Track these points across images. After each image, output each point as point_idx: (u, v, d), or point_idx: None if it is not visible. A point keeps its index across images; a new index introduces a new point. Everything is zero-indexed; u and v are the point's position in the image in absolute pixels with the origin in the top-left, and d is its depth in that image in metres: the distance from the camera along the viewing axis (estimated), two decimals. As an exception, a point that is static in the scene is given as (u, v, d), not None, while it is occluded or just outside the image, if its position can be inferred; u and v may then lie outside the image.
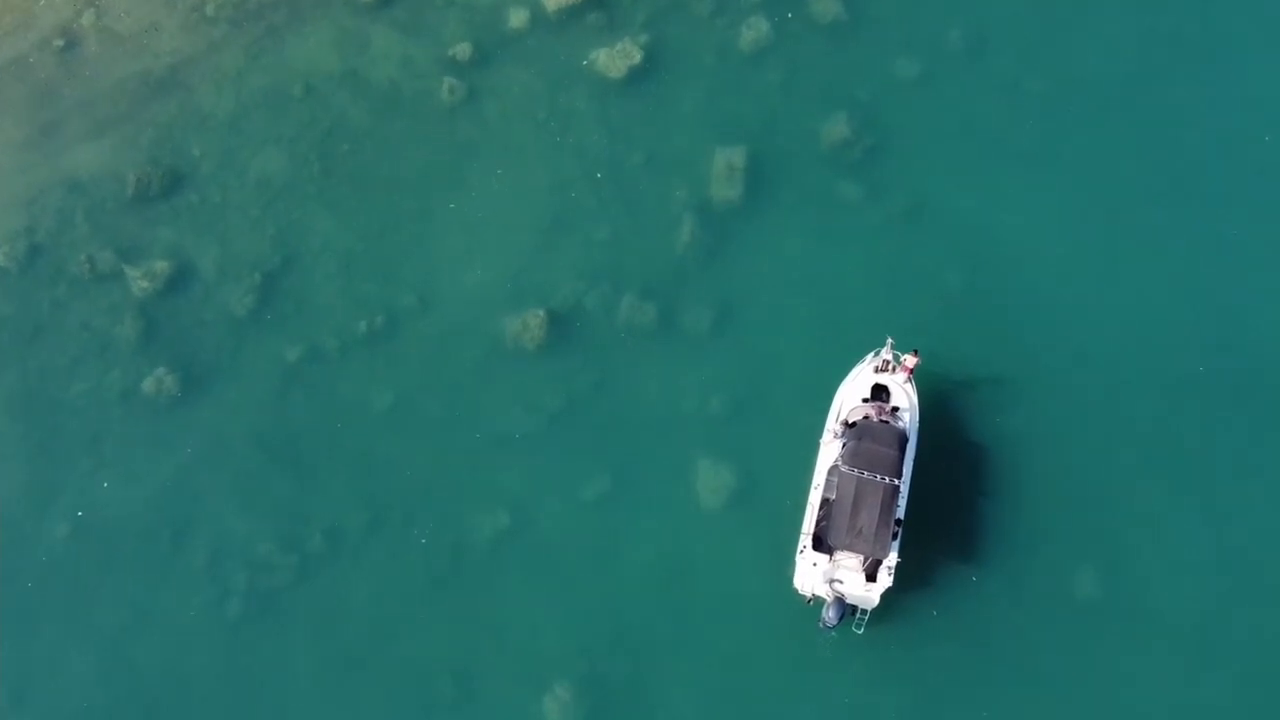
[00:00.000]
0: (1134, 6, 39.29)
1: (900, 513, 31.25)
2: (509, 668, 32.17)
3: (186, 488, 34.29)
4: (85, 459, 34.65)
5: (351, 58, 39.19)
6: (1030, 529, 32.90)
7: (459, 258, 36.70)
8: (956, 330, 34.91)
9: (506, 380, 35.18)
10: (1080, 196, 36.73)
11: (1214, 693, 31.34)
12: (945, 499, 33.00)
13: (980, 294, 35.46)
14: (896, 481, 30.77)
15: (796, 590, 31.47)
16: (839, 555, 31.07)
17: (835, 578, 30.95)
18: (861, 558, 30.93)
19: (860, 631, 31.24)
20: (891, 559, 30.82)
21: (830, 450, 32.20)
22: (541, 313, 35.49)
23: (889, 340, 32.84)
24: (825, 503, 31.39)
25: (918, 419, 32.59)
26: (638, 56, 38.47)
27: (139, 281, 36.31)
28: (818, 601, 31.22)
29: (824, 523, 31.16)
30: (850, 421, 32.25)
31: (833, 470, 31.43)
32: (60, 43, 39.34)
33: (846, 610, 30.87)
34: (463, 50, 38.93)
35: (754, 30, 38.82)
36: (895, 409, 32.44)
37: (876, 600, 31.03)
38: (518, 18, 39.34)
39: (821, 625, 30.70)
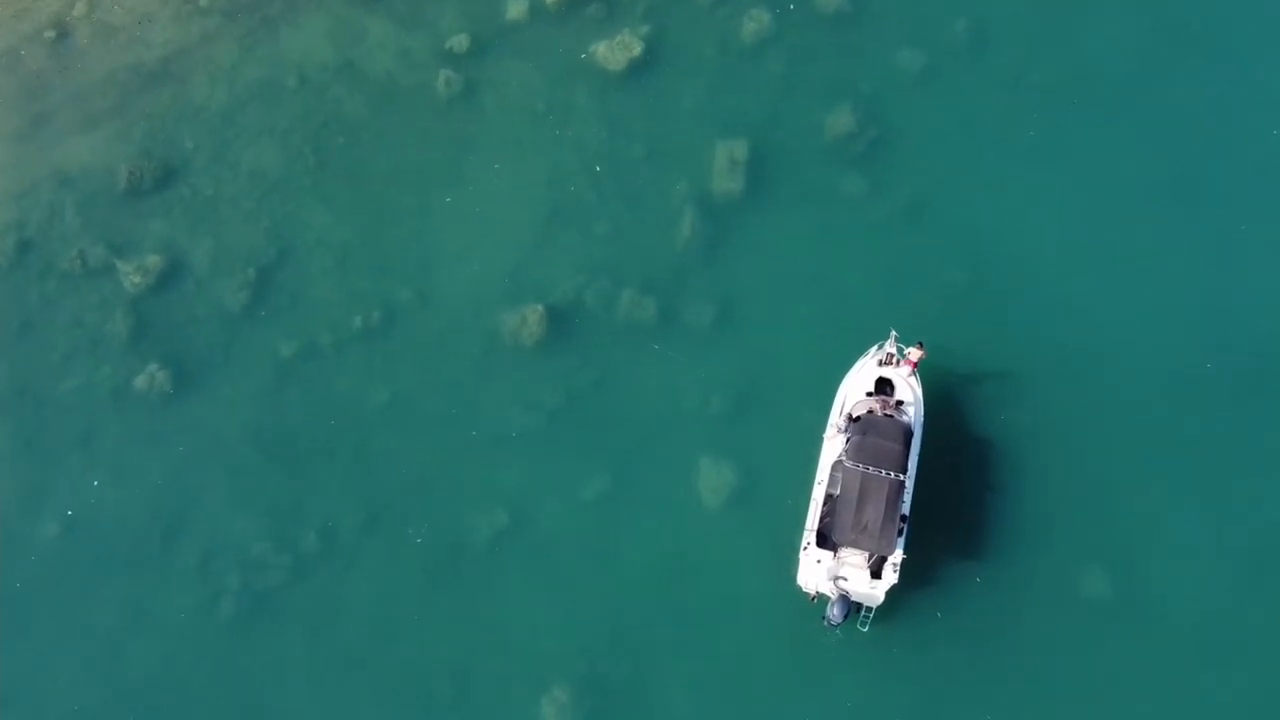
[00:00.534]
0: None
1: (906, 508, 30.89)
2: (508, 668, 31.82)
3: (179, 486, 33.92)
4: (76, 457, 34.26)
5: (347, 49, 38.90)
6: (1036, 526, 32.59)
7: (456, 252, 36.40)
8: (960, 325, 34.61)
9: (505, 377, 34.87)
10: (1087, 190, 36.48)
11: (1225, 695, 30.96)
12: (950, 495, 32.69)
13: (984, 288, 35.18)
14: (902, 477, 30.44)
15: (800, 588, 31.13)
16: (844, 552, 30.73)
17: (840, 575, 30.61)
18: (867, 554, 30.57)
19: (865, 629, 30.93)
20: (897, 556, 30.50)
21: (834, 445, 31.87)
22: (540, 308, 35.18)
23: (893, 333, 32.55)
24: (829, 499, 31.07)
25: (922, 413, 32.28)
26: (638, 48, 38.21)
27: (131, 276, 35.98)
28: (821, 599, 30.88)
29: (828, 519, 30.82)
30: (854, 416, 31.93)
31: (837, 466, 31.11)
32: (52, 34, 39.01)
33: (851, 608, 30.55)
34: (460, 42, 38.66)
35: (756, 22, 38.56)
36: (899, 403, 32.11)
37: (882, 598, 30.69)
38: (516, 9, 39.09)
39: (826, 623, 30.35)
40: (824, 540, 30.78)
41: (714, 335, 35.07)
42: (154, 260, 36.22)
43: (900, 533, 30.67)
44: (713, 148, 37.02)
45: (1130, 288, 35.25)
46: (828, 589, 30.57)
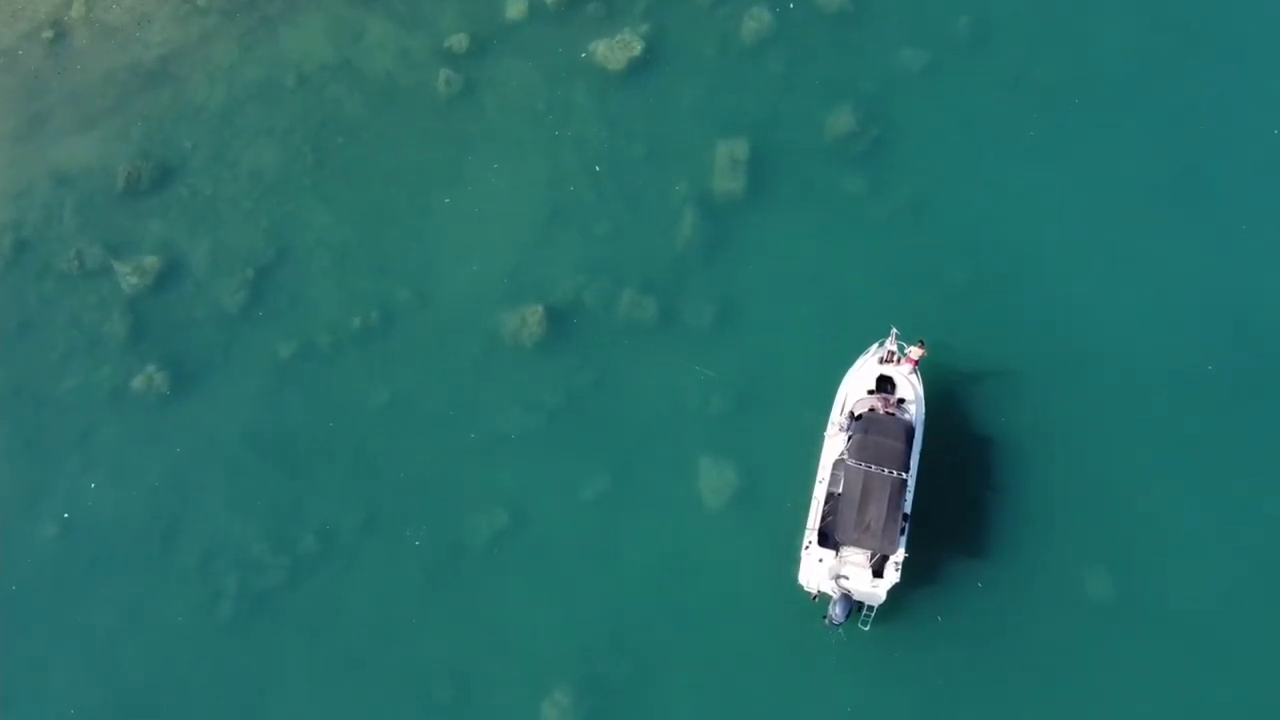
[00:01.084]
0: (1143, -3, 39.19)
1: (908, 507, 30.75)
2: (508, 669, 31.67)
3: (177, 487, 33.80)
4: (73, 458, 34.15)
5: (346, 48, 38.80)
6: (1040, 526, 32.45)
7: (455, 252, 36.27)
8: (961, 323, 34.47)
9: (504, 377, 34.74)
10: (1088, 189, 36.36)
11: (1231, 697, 30.82)
12: (952, 493, 32.53)
13: (985, 286, 35.05)
14: (904, 475, 30.30)
15: (801, 587, 31.00)
16: (845, 551, 30.60)
17: (841, 574, 30.47)
18: (869, 553, 30.44)
19: (867, 628, 30.77)
20: (899, 554, 30.35)
21: (835, 444, 31.76)
22: (540, 308, 35.05)
23: (893, 331, 32.41)
24: (831, 497, 30.94)
25: (924, 412, 32.15)
26: (638, 48, 38.10)
27: (128, 277, 35.86)
28: (823, 598, 30.74)
29: (830, 518, 30.69)
30: (856, 414, 31.81)
31: (838, 464, 31.00)
32: (49, 34, 38.93)
33: (853, 607, 30.39)
34: (459, 41, 38.55)
35: (756, 20, 38.45)
36: (901, 401, 31.99)
37: (884, 596, 30.54)
38: (515, 8, 39.00)
39: (827, 623, 30.17)
40: (826, 539, 30.64)
41: (714, 335, 34.93)
42: (152, 260, 36.11)
43: (903, 532, 30.52)
44: (713, 147, 36.89)
45: (1131, 286, 35.12)
46: (829, 588, 30.42)
